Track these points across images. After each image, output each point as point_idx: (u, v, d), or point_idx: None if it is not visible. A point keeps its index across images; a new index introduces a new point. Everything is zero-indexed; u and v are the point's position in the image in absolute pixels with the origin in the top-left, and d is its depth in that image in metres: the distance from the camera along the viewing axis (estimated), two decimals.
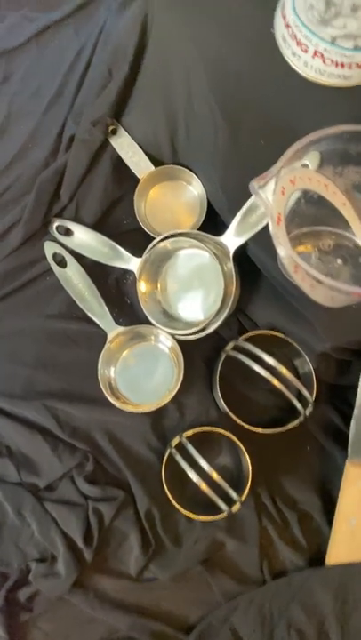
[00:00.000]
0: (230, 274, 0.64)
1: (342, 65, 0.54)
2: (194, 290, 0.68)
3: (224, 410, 0.65)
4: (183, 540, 0.63)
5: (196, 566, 0.63)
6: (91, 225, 0.69)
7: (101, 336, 0.67)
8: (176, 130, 0.66)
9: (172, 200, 0.71)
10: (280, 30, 0.58)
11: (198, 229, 0.67)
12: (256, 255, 0.64)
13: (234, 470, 0.66)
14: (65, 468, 0.64)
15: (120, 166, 0.69)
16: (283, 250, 0.48)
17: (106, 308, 0.67)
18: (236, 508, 0.60)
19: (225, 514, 0.60)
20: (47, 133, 0.70)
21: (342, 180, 0.54)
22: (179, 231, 0.65)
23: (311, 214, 0.56)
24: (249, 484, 0.61)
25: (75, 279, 0.68)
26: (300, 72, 0.58)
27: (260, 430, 0.63)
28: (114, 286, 0.71)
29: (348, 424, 0.63)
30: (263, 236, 0.60)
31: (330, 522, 0.62)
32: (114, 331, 0.67)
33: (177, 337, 0.65)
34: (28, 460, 0.65)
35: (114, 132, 0.68)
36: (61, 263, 0.68)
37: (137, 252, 0.67)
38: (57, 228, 0.69)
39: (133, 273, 0.67)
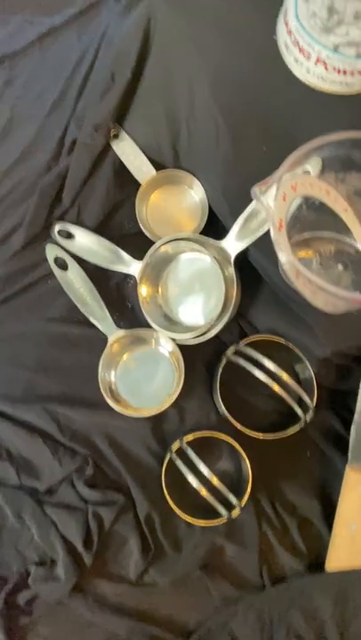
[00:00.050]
0: (231, 278, 0.64)
1: (344, 72, 0.54)
2: (195, 294, 0.68)
3: (224, 415, 0.65)
4: (183, 544, 0.63)
5: (195, 571, 0.62)
6: (92, 228, 0.69)
7: (102, 340, 0.67)
8: (178, 135, 0.66)
9: (174, 204, 0.71)
10: (283, 37, 0.58)
11: (199, 234, 0.67)
12: (257, 260, 0.64)
13: (234, 475, 0.66)
14: (65, 471, 0.63)
15: (122, 170, 0.69)
16: (284, 256, 0.48)
17: (107, 311, 0.67)
18: (235, 513, 0.60)
19: (225, 519, 0.60)
20: (49, 137, 0.70)
21: (344, 186, 0.54)
22: (180, 235, 0.65)
23: (312, 220, 0.56)
24: (249, 489, 0.61)
25: (76, 283, 0.68)
26: (302, 79, 0.58)
27: (260, 435, 0.63)
28: (115, 290, 0.71)
29: (348, 429, 0.63)
30: (264, 242, 0.60)
31: (330, 527, 0.62)
32: (114, 334, 0.67)
33: (177, 341, 0.66)
34: (28, 464, 0.65)
35: (116, 137, 0.68)
36: (63, 266, 0.68)
37: (138, 255, 0.67)
38: (58, 231, 0.69)
39: (134, 277, 0.67)
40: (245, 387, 0.67)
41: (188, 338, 0.65)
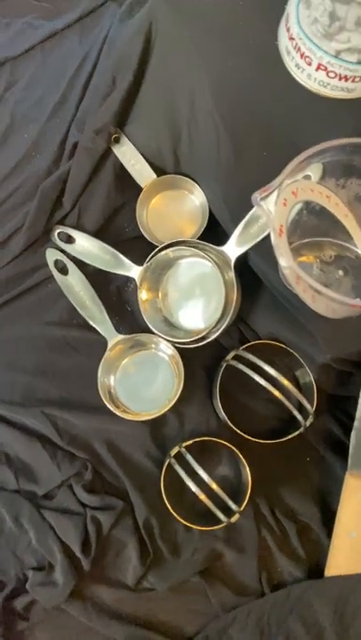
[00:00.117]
0: (231, 283, 0.64)
1: (346, 78, 0.54)
2: (195, 298, 0.68)
3: (224, 420, 0.64)
4: (182, 550, 0.63)
5: (194, 577, 0.62)
6: (93, 232, 0.69)
7: (102, 344, 0.67)
8: (179, 139, 0.66)
9: (174, 209, 0.71)
10: (284, 43, 0.58)
11: (199, 238, 0.67)
12: (257, 265, 0.64)
13: (233, 480, 0.66)
14: (64, 476, 0.63)
15: (122, 175, 0.69)
16: (284, 261, 0.48)
17: (107, 315, 0.67)
18: (235, 518, 0.60)
19: (224, 524, 0.60)
20: (50, 141, 0.71)
21: (345, 191, 0.54)
22: (180, 240, 0.65)
23: (313, 225, 0.56)
24: (248, 494, 0.61)
25: (76, 286, 0.68)
26: (303, 84, 0.58)
27: (260, 441, 0.63)
28: (115, 294, 0.71)
29: (348, 435, 0.63)
30: (265, 247, 0.60)
31: (329, 533, 0.62)
32: (114, 338, 0.66)
33: (177, 345, 0.65)
34: (27, 468, 0.65)
35: (117, 141, 0.68)
36: (63, 270, 0.68)
37: (138, 259, 0.67)
38: (59, 235, 0.69)
39: (135, 281, 0.67)
40: (245, 392, 0.67)
41: (187, 342, 0.65)
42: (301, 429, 0.63)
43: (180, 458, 0.62)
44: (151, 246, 0.67)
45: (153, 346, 0.68)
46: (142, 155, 0.69)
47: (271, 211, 0.48)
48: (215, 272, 0.63)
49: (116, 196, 0.69)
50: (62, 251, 0.69)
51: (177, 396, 0.63)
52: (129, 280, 0.70)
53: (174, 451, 0.63)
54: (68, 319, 0.69)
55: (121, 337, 0.66)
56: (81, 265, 0.68)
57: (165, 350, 0.67)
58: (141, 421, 0.65)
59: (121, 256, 0.67)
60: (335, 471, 0.65)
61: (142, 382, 0.68)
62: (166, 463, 0.63)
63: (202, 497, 0.59)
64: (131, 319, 0.70)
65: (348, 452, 0.62)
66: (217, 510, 0.59)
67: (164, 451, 0.65)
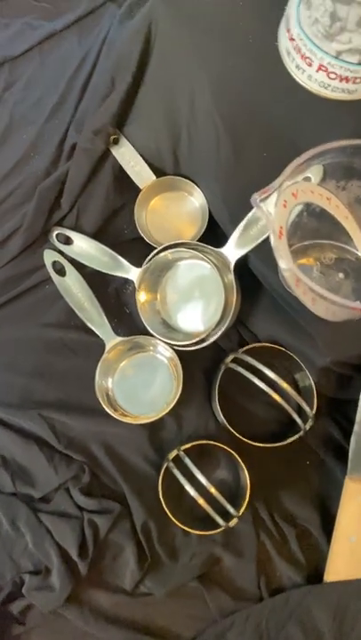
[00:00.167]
0: (231, 285, 0.64)
1: (346, 79, 0.54)
2: (194, 300, 0.68)
3: (223, 423, 0.64)
4: (179, 554, 0.62)
5: (192, 581, 0.62)
6: (91, 234, 0.69)
7: (100, 346, 0.66)
8: (178, 141, 0.66)
9: (173, 210, 0.71)
10: (284, 43, 0.58)
11: (199, 240, 0.67)
12: (257, 267, 0.64)
13: (232, 484, 0.65)
14: (61, 479, 0.63)
15: (121, 176, 0.69)
16: (284, 263, 0.48)
17: (105, 317, 0.66)
18: (233, 522, 0.60)
19: (222, 528, 0.60)
20: (49, 142, 0.70)
21: (345, 193, 0.53)
22: (179, 241, 0.65)
23: (313, 227, 0.56)
24: (247, 498, 0.61)
25: (74, 288, 0.67)
26: (303, 85, 0.58)
27: (259, 444, 0.62)
28: (113, 296, 0.71)
29: (348, 439, 0.62)
30: (264, 249, 0.60)
31: (329, 537, 0.62)
32: (112, 341, 0.66)
33: (176, 348, 0.65)
34: (24, 471, 0.64)
35: (116, 142, 0.68)
36: (61, 272, 0.68)
37: (137, 261, 0.67)
38: (57, 236, 0.69)
39: (133, 283, 0.67)
40: (244, 395, 0.67)
41: (186, 344, 0.64)
42: (301, 433, 0.63)
43: (178, 461, 0.61)
44: (150, 248, 0.66)
45: (151, 348, 0.68)
46: (141, 156, 0.68)
47: (271, 212, 0.48)
48: (214, 274, 0.63)
49: (114, 198, 0.69)
50: (60, 252, 0.69)
51: (175, 399, 0.63)
52: (127, 282, 0.69)
53: (173, 454, 0.62)
54: (66, 321, 0.69)
55: (119, 339, 0.66)
56: (79, 266, 0.68)
57: (164, 353, 0.67)
58: (139, 424, 0.64)
59: (119, 258, 0.67)
60: (335, 475, 0.65)
61: (140, 385, 0.67)
62: (164, 467, 0.62)
63: (200, 501, 0.58)
64: (129, 321, 0.70)
65: (348, 456, 0.62)
66: (215, 514, 0.59)
67: (162, 454, 0.65)
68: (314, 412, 0.63)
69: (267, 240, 0.59)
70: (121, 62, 0.66)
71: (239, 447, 0.62)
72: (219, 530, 0.60)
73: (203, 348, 0.64)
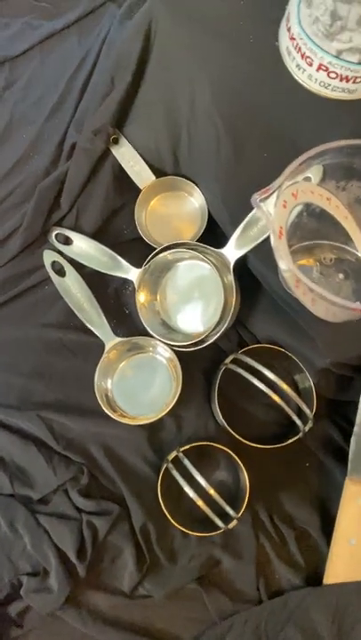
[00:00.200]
0: (230, 286, 0.63)
1: (347, 79, 0.54)
2: (193, 301, 0.68)
3: (222, 424, 0.64)
4: (178, 556, 0.62)
5: (191, 583, 0.61)
6: (90, 234, 0.69)
7: (99, 346, 0.66)
8: (178, 141, 0.66)
9: (173, 211, 0.71)
10: (284, 43, 0.58)
11: (198, 240, 0.66)
12: (257, 268, 0.63)
13: (231, 486, 0.65)
14: (59, 480, 0.63)
15: (121, 176, 0.68)
16: (284, 263, 0.47)
17: (104, 318, 0.66)
18: (232, 524, 0.59)
19: (222, 530, 0.59)
20: (48, 141, 0.70)
21: (345, 193, 0.53)
22: (179, 242, 0.65)
23: (313, 228, 0.56)
24: (246, 500, 0.60)
25: (73, 288, 0.67)
26: (304, 85, 0.58)
27: (258, 446, 0.62)
28: (113, 296, 0.71)
29: (347, 440, 0.62)
30: (264, 249, 0.59)
31: (328, 539, 0.61)
32: (111, 341, 0.66)
33: (175, 348, 0.65)
34: (22, 472, 0.64)
35: (115, 142, 0.68)
36: (60, 272, 0.68)
37: (137, 262, 0.66)
38: (56, 236, 0.68)
39: (133, 283, 0.66)
40: (244, 396, 0.66)
41: (186, 345, 0.64)
42: (300, 434, 0.62)
43: (177, 463, 0.61)
44: (150, 248, 0.66)
45: (151, 349, 0.67)
46: (141, 156, 0.68)
47: (271, 213, 0.47)
48: (214, 275, 0.63)
49: (114, 198, 0.69)
50: (60, 252, 0.68)
51: (175, 400, 0.63)
52: (127, 282, 0.69)
53: (172, 455, 0.62)
54: (65, 321, 0.68)
55: (118, 340, 0.66)
56: (78, 267, 0.68)
57: (163, 353, 0.66)
58: (139, 425, 0.64)
59: (119, 258, 0.67)
60: (335, 477, 0.64)
61: (140, 386, 0.67)
62: (163, 468, 0.62)
63: (199, 503, 0.58)
64: (128, 322, 0.69)
65: (348, 458, 0.61)
66: (214, 516, 0.59)
67: (161, 455, 0.65)
68: (313, 413, 0.63)
69: (266, 240, 0.59)
70: (121, 61, 0.66)
71: (238, 448, 0.62)
72: (218, 532, 0.60)
73: (202, 348, 0.64)
